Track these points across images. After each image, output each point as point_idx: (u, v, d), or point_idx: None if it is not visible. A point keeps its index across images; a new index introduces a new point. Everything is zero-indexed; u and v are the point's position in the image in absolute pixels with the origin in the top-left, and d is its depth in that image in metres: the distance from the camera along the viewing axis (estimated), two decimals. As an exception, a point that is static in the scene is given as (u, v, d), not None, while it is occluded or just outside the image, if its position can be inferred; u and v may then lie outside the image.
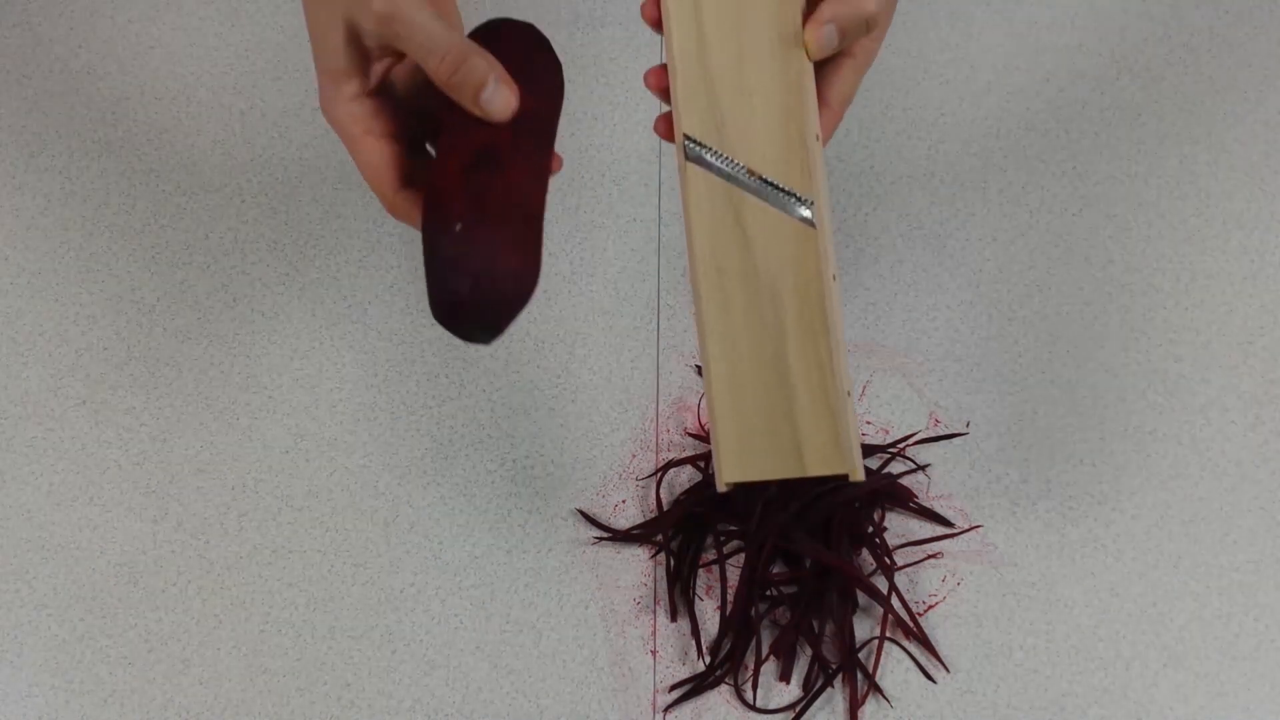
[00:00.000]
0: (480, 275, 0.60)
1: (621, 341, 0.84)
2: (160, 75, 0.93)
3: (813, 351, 0.64)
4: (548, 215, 0.89)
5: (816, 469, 0.64)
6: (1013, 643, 0.75)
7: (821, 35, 0.63)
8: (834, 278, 0.63)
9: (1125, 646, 0.75)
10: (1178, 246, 0.89)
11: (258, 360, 0.84)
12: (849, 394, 0.63)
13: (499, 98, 0.62)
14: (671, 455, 0.80)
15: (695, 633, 0.75)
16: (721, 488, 0.67)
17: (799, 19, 0.63)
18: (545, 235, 0.89)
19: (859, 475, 0.64)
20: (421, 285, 0.87)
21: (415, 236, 0.88)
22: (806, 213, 0.63)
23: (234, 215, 0.89)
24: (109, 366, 0.83)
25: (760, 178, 0.63)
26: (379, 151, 0.66)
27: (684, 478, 0.80)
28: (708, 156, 0.64)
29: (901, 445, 0.81)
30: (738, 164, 0.63)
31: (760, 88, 0.63)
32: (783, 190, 0.63)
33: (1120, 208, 0.91)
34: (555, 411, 0.82)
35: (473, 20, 0.68)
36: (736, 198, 0.64)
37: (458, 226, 0.60)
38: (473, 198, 0.60)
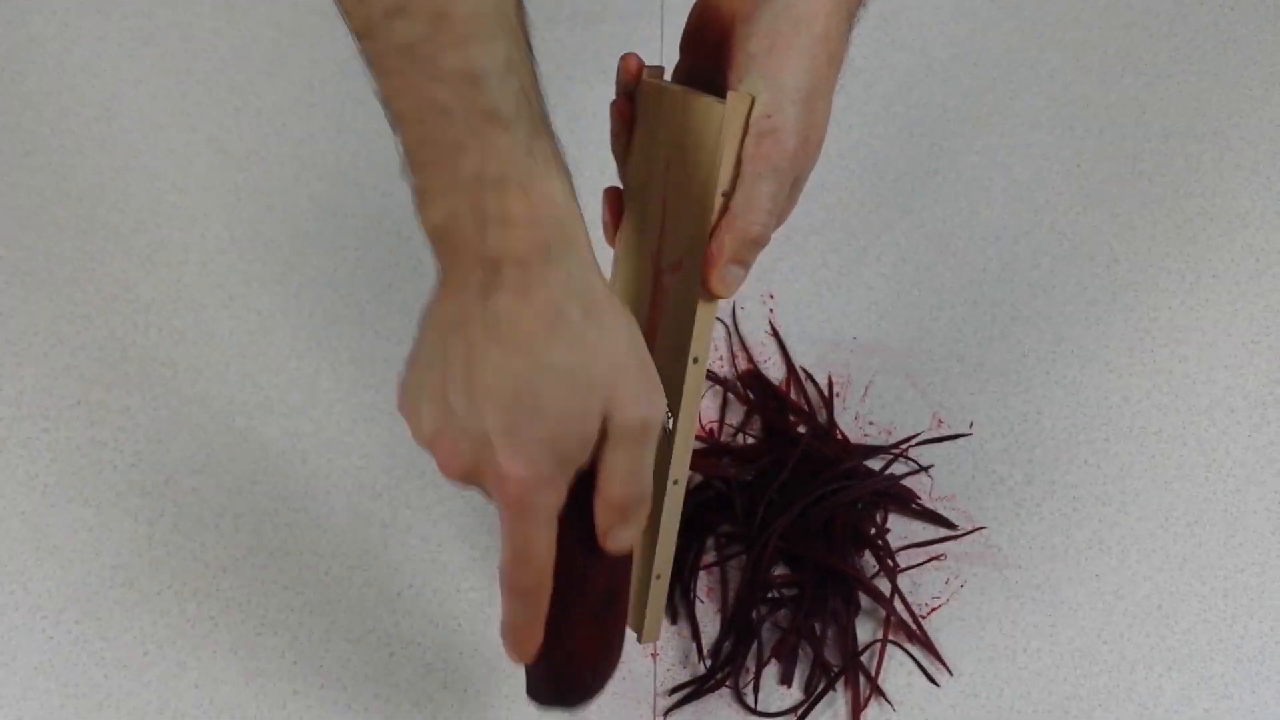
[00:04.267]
0: (592, 689, 0.65)
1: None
2: (155, 72, 0.93)
3: (647, 530, 0.66)
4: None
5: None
6: (1016, 645, 0.75)
7: (726, 276, 0.60)
8: (675, 483, 0.65)
9: (1130, 649, 0.75)
10: (1183, 246, 0.89)
11: (254, 360, 0.83)
12: (659, 577, 0.66)
13: (626, 541, 0.60)
14: (672, 456, 0.80)
15: (696, 635, 0.75)
16: None
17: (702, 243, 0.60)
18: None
19: (646, 638, 0.69)
20: (420, 284, 0.86)
21: (413, 232, 0.88)
22: (668, 421, 0.63)
23: (229, 213, 0.88)
24: (104, 366, 0.83)
25: None
26: None
27: (684, 479, 0.79)
28: None
29: (904, 446, 0.80)
30: None
31: (674, 288, 0.62)
32: None
33: (1125, 206, 0.90)
34: (554, 412, 0.82)
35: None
36: None
37: (588, 676, 0.64)
38: (602, 643, 0.64)
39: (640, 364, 0.58)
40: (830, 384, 0.82)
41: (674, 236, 0.61)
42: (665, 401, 0.59)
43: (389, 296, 0.85)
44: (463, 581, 0.77)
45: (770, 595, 0.75)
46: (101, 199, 0.88)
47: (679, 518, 0.66)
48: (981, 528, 0.78)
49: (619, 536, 0.60)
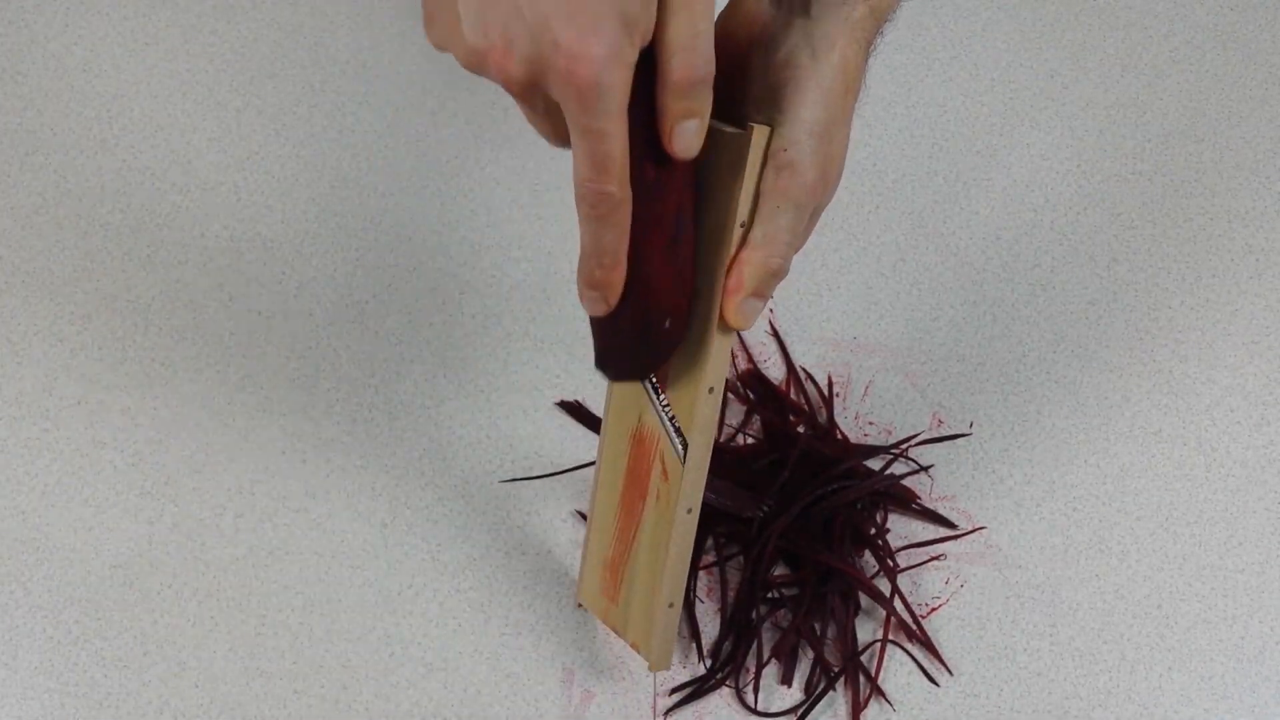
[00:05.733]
0: (670, 340, 0.60)
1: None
2: (156, 72, 0.93)
3: (654, 559, 0.66)
4: (557, 209, 0.89)
5: (630, 639, 0.69)
6: (1016, 645, 0.75)
7: (744, 309, 0.59)
8: (688, 511, 0.64)
9: (1130, 649, 0.75)
10: (1182, 245, 0.89)
11: (254, 360, 0.83)
12: (670, 606, 0.66)
13: (697, 138, 0.54)
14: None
15: (695, 635, 0.74)
16: (576, 603, 0.75)
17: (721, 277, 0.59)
18: (550, 232, 0.89)
19: (654, 667, 0.68)
20: (420, 284, 0.86)
21: (413, 233, 0.88)
22: (681, 450, 0.63)
23: (230, 213, 0.88)
24: (104, 366, 0.83)
25: (660, 397, 0.63)
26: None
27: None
28: None
29: (904, 446, 0.80)
30: (653, 378, 0.63)
31: (694, 319, 0.61)
32: (672, 419, 0.63)
33: (1125, 206, 0.90)
34: (555, 412, 0.82)
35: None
36: (643, 397, 0.64)
37: (666, 323, 0.59)
38: (678, 278, 0.58)
39: None
40: (830, 384, 0.82)
41: None
42: None
43: (388, 297, 0.85)
44: (463, 581, 0.76)
45: (770, 595, 0.75)
46: (101, 199, 0.88)
47: (691, 546, 0.66)
48: (981, 528, 0.78)
49: (686, 130, 0.53)
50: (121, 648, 0.74)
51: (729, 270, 0.59)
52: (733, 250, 0.59)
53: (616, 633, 0.70)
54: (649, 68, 0.52)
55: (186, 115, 0.91)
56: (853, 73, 0.59)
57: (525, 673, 0.74)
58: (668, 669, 0.69)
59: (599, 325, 0.59)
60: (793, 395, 0.82)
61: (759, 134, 0.57)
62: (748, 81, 0.60)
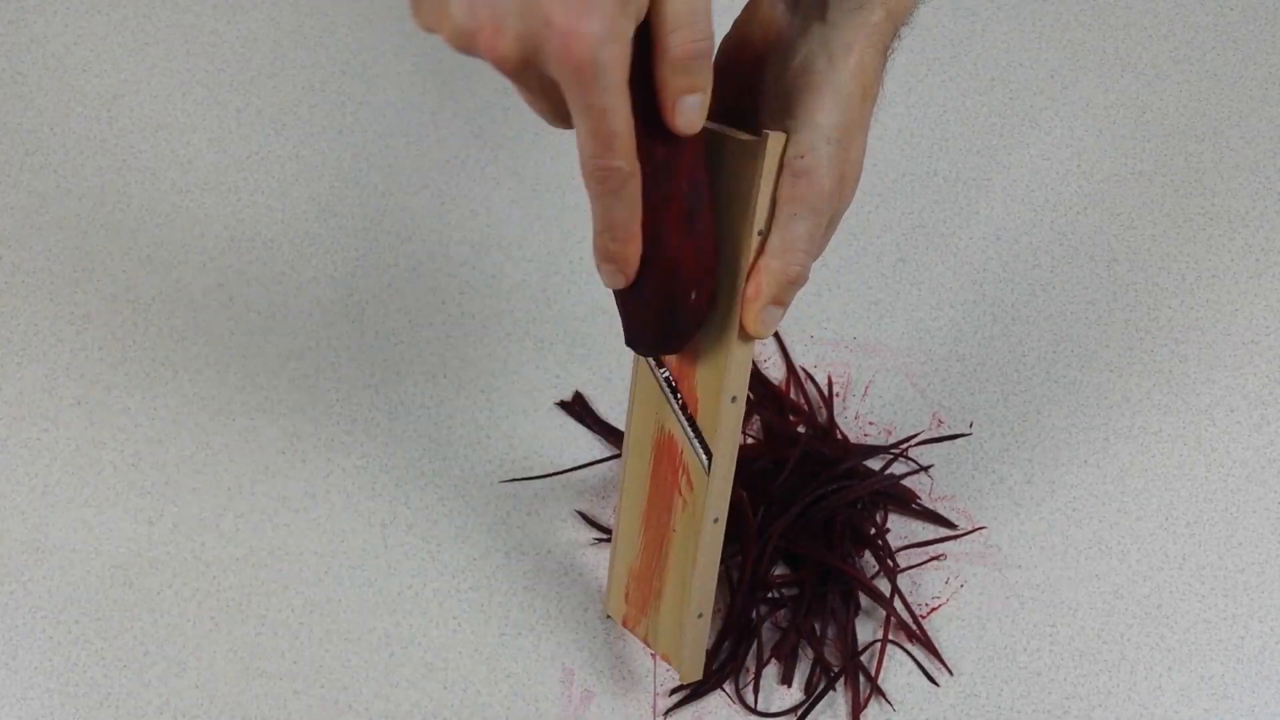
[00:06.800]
0: (696, 313, 0.60)
1: (622, 342, 0.83)
2: (156, 72, 0.93)
3: (682, 568, 0.66)
4: (557, 210, 0.89)
5: (660, 650, 0.69)
6: (1016, 645, 0.75)
7: (764, 317, 0.58)
8: (715, 521, 0.64)
9: (1130, 649, 0.75)
10: (1182, 245, 0.89)
11: (254, 360, 0.83)
12: (700, 616, 0.65)
13: (699, 112, 0.53)
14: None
15: (696, 635, 0.75)
16: (604, 614, 0.75)
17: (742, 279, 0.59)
18: (550, 232, 0.89)
19: (685, 678, 0.68)
20: (420, 284, 0.86)
21: (413, 233, 0.88)
22: (705, 460, 0.63)
23: (230, 214, 0.88)
24: (104, 366, 0.83)
25: (683, 408, 0.63)
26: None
27: (684, 479, 0.79)
28: (652, 364, 0.63)
29: (904, 446, 0.80)
30: (674, 386, 0.63)
31: (707, 329, 0.61)
32: (694, 429, 0.63)
33: (1125, 206, 0.90)
34: (555, 412, 0.82)
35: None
36: (665, 408, 0.64)
37: (693, 295, 0.58)
38: (698, 250, 0.57)
39: None
40: (830, 384, 0.82)
41: None
42: None
43: (388, 297, 0.85)
44: (463, 581, 0.76)
45: (770, 595, 0.75)
46: (102, 199, 0.88)
47: (719, 556, 0.66)
48: (981, 528, 0.78)
49: (688, 106, 0.52)
50: (121, 648, 0.74)
51: (748, 278, 0.58)
52: (751, 258, 0.58)
53: (646, 644, 0.70)
54: (647, 42, 0.51)
55: (186, 115, 0.91)
56: (870, 78, 0.59)
57: (525, 673, 0.74)
58: (699, 679, 0.70)
59: (623, 302, 0.59)
60: (793, 395, 0.82)
61: (774, 140, 0.57)
62: (763, 88, 0.59)
